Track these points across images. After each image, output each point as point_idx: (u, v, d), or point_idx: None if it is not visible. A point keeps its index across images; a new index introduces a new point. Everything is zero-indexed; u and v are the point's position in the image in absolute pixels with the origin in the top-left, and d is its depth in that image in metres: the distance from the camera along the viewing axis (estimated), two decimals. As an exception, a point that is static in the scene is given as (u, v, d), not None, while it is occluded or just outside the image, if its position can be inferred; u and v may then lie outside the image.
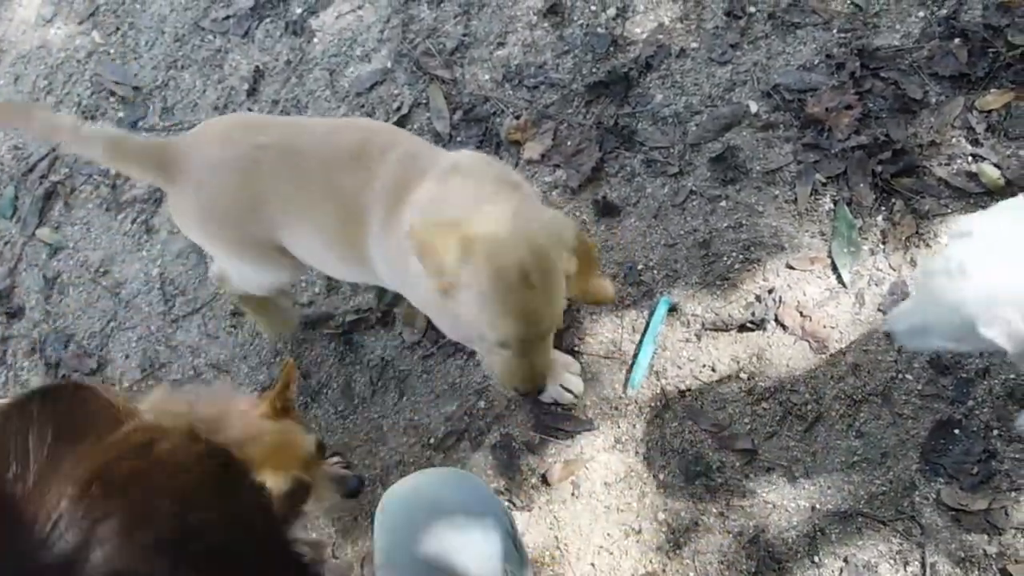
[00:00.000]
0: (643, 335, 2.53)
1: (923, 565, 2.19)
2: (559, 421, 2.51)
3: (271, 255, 2.28)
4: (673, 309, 2.54)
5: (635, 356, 2.52)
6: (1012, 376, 2.26)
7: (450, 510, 1.68)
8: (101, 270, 3.13)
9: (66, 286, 3.15)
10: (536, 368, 1.81)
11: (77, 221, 3.23)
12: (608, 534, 2.38)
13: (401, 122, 3.00)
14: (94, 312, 3.08)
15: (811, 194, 2.56)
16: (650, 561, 2.34)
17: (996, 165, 2.48)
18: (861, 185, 2.53)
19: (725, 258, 2.58)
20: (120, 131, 2.32)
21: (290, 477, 1.88)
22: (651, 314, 2.53)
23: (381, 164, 2.02)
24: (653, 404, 2.48)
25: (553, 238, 1.76)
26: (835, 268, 2.49)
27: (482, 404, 2.59)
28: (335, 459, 2.60)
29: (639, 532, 2.36)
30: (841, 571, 2.23)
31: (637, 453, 2.44)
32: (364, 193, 2.02)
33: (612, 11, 2.98)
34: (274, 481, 1.85)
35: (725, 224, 2.61)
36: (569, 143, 2.84)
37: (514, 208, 1.80)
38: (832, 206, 2.55)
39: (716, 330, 2.51)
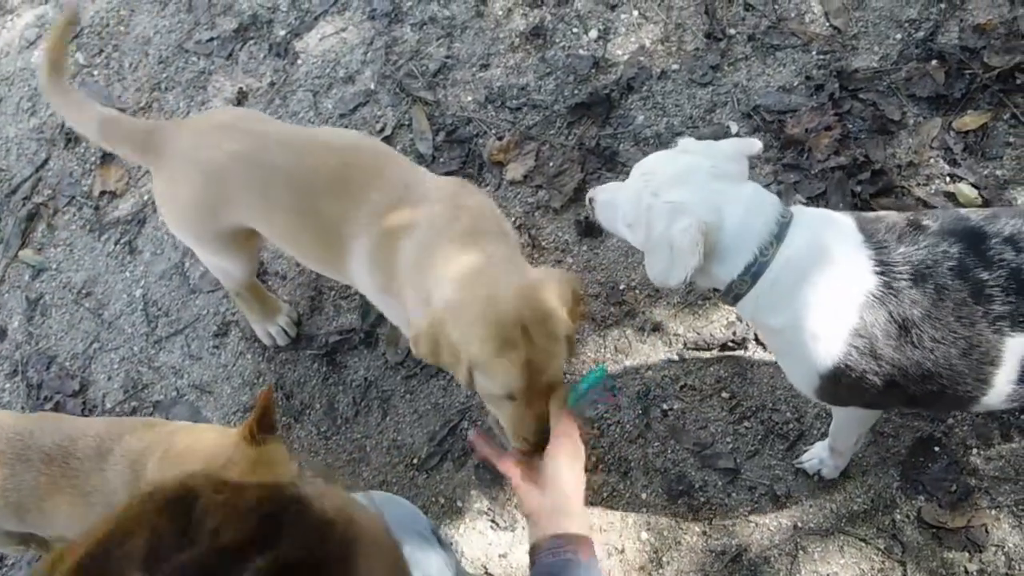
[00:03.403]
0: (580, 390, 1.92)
1: (904, 583, 2.20)
2: (542, 441, 2.51)
3: (236, 244, 2.37)
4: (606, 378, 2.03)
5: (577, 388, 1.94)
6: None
7: None
8: (84, 291, 3.12)
9: (49, 307, 3.14)
10: (543, 419, 1.75)
11: (60, 242, 3.23)
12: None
13: (384, 143, 3.01)
14: (77, 333, 3.07)
15: (791, 214, 2.58)
16: (633, 580, 2.34)
17: (974, 184, 2.50)
18: (840, 205, 2.55)
19: (707, 278, 2.59)
20: (114, 111, 2.39)
21: None
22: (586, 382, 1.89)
23: (364, 199, 2.06)
24: (635, 423, 2.48)
25: (555, 295, 1.80)
26: (815, 287, 2.50)
27: (465, 424, 2.59)
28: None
29: (622, 551, 2.36)
30: (823, 589, 2.24)
31: (619, 472, 2.45)
32: (346, 224, 2.07)
33: (594, 33, 3.01)
34: None
35: (706, 244, 2.63)
36: (551, 164, 2.85)
37: (513, 267, 1.89)
38: (812, 226, 2.57)
39: (698, 349, 2.52)
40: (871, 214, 1.77)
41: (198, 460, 1.96)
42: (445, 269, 1.89)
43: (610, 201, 1.87)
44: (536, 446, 1.72)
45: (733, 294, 1.74)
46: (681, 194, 1.70)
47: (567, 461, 1.57)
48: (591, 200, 1.94)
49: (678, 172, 1.74)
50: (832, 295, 1.67)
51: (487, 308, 1.74)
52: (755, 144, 1.80)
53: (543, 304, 1.76)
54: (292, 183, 2.12)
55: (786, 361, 1.89)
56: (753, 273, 1.69)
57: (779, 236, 1.68)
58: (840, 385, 1.74)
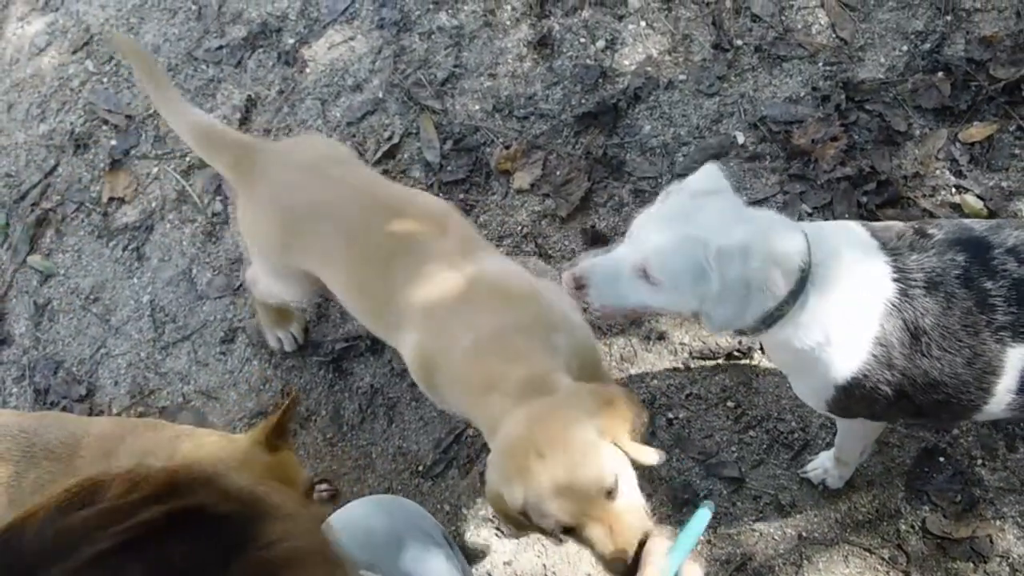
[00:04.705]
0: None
1: (909, 593, 2.20)
2: (547, 449, 2.51)
3: (301, 281, 2.35)
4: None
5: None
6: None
7: (383, 538, 1.67)
8: (91, 297, 3.14)
9: (56, 313, 3.15)
10: (620, 539, 1.62)
11: (68, 248, 3.24)
12: (595, 562, 2.38)
13: (392, 151, 3.03)
14: (84, 339, 3.08)
15: (797, 224, 2.59)
16: (638, 589, 2.33)
17: (979, 196, 2.51)
18: (846, 215, 2.56)
19: (712, 287, 2.60)
20: (214, 121, 2.42)
21: None
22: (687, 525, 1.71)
23: (414, 282, 2.02)
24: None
25: (569, 409, 1.71)
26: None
27: (471, 431, 2.60)
28: (323, 486, 2.60)
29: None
30: (828, 599, 2.24)
31: (625, 481, 2.45)
32: (395, 308, 2.05)
33: (601, 43, 3.02)
34: None
35: (712, 253, 2.64)
36: (558, 173, 2.86)
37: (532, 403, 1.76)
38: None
39: (704, 358, 2.53)
40: (879, 223, 1.78)
41: (260, 466, 1.96)
42: (477, 407, 1.90)
43: (612, 274, 1.69)
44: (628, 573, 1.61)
45: (771, 320, 1.67)
46: (738, 233, 1.61)
47: None
48: (578, 284, 1.71)
49: (717, 213, 1.65)
50: (857, 305, 1.66)
51: (505, 468, 1.69)
52: (714, 167, 1.76)
53: (555, 426, 1.67)
54: (352, 245, 2.10)
55: (801, 374, 1.86)
56: (793, 293, 1.64)
57: (809, 253, 1.66)
58: (854, 397, 1.73)
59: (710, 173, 1.75)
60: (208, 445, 2.06)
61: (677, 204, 1.70)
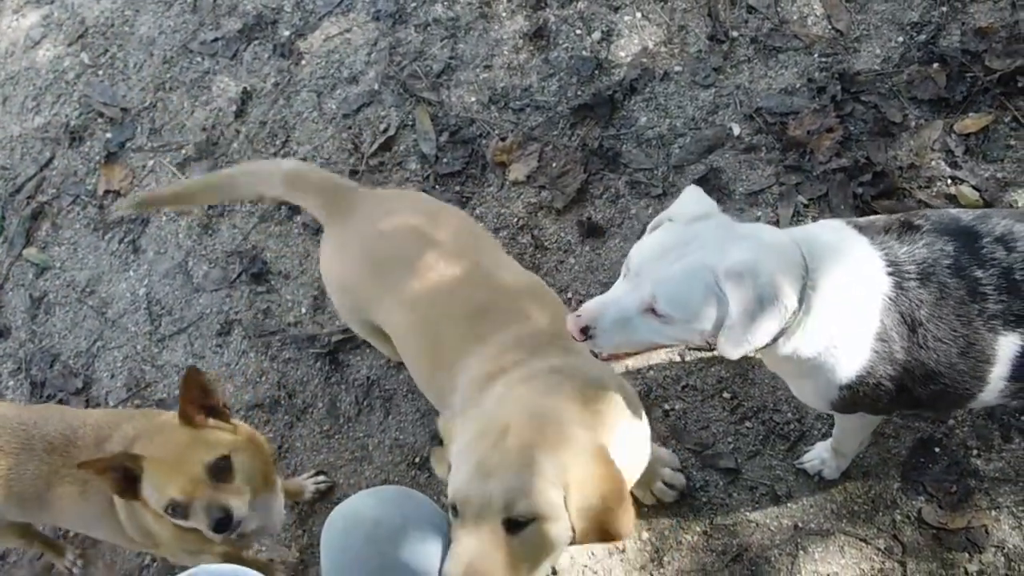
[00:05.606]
0: None
1: (904, 583, 2.21)
2: (544, 440, 2.51)
3: (374, 335, 2.30)
4: None
5: None
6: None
7: (389, 530, 1.67)
8: (87, 290, 3.14)
9: (52, 306, 3.15)
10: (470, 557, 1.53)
11: (64, 241, 3.24)
12: (592, 553, 2.39)
13: (388, 143, 3.02)
14: (80, 332, 3.08)
15: (793, 215, 2.59)
16: (634, 580, 2.35)
17: (975, 187, 2.51)
18: (842, 207, 2.56)
19: (708, 279, 2.60)
20: (300, 163, 2.41)
21: (165, 492, 1.91)
22: None
23: (489, 339, 1.93)
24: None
25: (559, 429, 1.63)
26: (817, 288, 2.51)
27: (467, 423, 2.60)
28: (320, 478, 2.61)
29: (623, 551, 2.37)
30: (823, 589, 2.25)
31: (621, 472, 2.45)
32: (461, 358, 1.95)
33: (597, 35, 3.02)
34: (150, 488, 1.92)
35: (708, 245, 2.63)
36: (554, 165, 2.86)
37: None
38: (814, 227, 2.58)
39: (700, 350, 2.53)
40: (862, 219, 1.77)
41: (168, 443, 1.99)
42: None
43: (621, 317, 1.64)
44: None
45: (783, 332, 1.64)
46: (739, 253, 1.58)
47: None
48: (587, 328, 1.65)
49: (713, 236, 1.62)
50: (857, 303, 1.64)
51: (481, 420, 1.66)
52: (696, 189, 1.76)
53: (548, 426, 1.62)
54: (431, 304, 2.01)
55: (804, 379, 1.83)
56: (800, 300, 1.61)
57: (805, 258, 1.64)
58: (858, 394, 1.72)
59: (694, 195, 1.74)
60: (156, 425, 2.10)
61: (671, 233, 1.67)
